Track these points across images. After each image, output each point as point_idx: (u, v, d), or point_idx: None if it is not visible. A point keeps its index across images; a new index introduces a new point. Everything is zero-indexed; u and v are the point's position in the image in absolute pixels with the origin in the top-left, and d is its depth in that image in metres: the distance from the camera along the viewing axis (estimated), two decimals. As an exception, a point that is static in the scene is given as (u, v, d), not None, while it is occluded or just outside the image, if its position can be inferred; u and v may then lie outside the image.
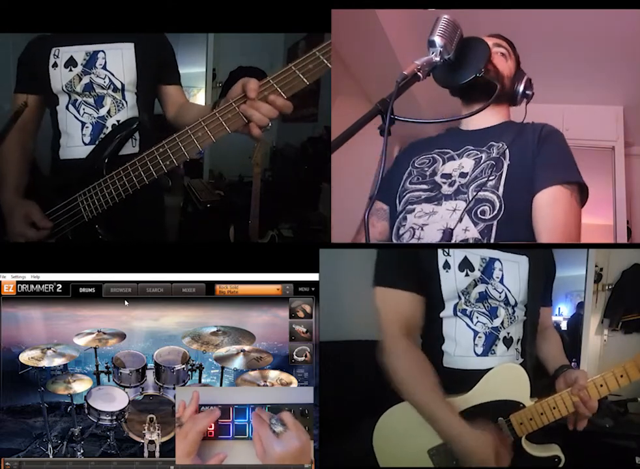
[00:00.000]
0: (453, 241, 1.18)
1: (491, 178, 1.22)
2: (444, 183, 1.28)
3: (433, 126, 1.48)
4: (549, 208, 1.19)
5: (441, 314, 1.18)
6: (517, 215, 1.20)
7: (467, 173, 1.27)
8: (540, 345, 1.29)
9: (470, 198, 1.21)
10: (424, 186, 1.31)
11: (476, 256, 1.19)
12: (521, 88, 1.33)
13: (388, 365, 1.12)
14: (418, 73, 1.08)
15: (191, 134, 1.12)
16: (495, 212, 1.19)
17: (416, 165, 1.37)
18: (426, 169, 1.34)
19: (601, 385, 1.11)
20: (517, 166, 1.23)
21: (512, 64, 1.34)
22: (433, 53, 1.11)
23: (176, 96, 1.52)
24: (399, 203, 1.34)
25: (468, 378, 1.15)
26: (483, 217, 1.19)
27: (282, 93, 1.06)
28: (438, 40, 1.10)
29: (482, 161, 1.26)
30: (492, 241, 1.17)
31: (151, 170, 1.17)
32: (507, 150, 1.25)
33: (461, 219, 1.19)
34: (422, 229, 1.23)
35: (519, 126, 1.30)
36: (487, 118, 1.32)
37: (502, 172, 1.22)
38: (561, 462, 1.13)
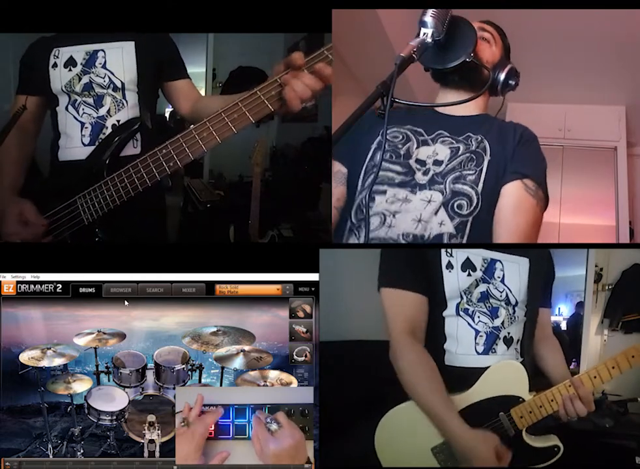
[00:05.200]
0: (427, 235, 1.14)
1: (470, 171, 1.17)
2: (418, 170, 1.20)
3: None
4: (512, 214, 1.15)
5: (444, 313, 1.19)
6: (492, 213, 1.16)
7: (442, 161, 1.20)
8: (542, 355, 1.30)
9: (447, 191, 1.16)
10: (398, 168, 1.21)
11: (478, 257, 1.20)
12: (502, 76, 1.26)
13: (395, 365, 1.14)
14: (413, 55, 1.07)
15: (196, 135, 1.10)
16: (472, 208, 1.15)
17: (387, 137, 1.23)
18: (400, 146, 1.24)
19: (595, 377, 1.15)
20: (497, 164, 1.18)
21: (497, 50, 1.28)
22: (424, 34, 1.10)
23: (187, 90, 1.50)
24: (365, 176, 1.24)
25: (469, 376, 1.16)
26: (459, 211, 1.15)
27: (332, 58, 1.02)
28: (430, 20, 1.10)
29: (460, 153, 1.20)
30: (466, 238, 1.14)
31: (154, 172, 1.16)
32: (488, 146, 1.20)
33: (436, 212, 1.14)
34: (394, 217, 1.16)
35: (499, 122, 1.27)
36: (465, 105, 1.24)
37: (482, 168, 1.17)
38: (560, 451, 1.16)
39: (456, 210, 1.14)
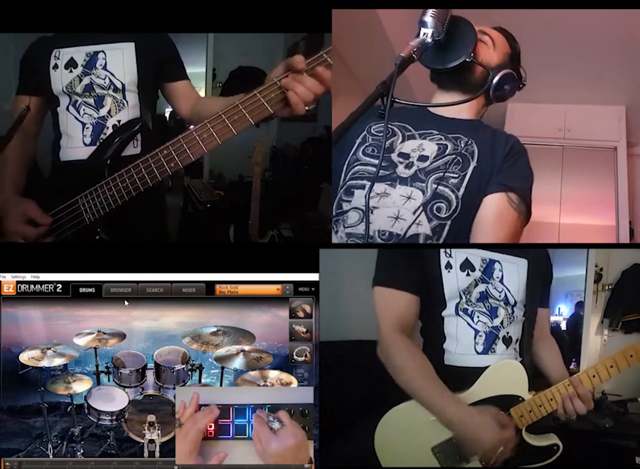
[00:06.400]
0: (403, 234, 1.12)
1: (454, 175, 1.15)
2: (400, 163, 1.18)
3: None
4: (493, 225, 1.14)
5: (443, 313, 1.19)
6: (470, 220, 1.15)
7: (427, 157, 1.18)
8: (540, 354, 1.30)
9: (429, 192, 1.14)
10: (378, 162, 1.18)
11: (476, 257, 1.20)
12: (495, 80, 1.23)
13: (385, 361, 1.15)
14: (413, 55, 1.07)
15: (197, 136, 1.11)
16: (451, 212, 1.13)
17: (372, 131, 1.25)
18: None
19: (594, 376, 1.16)
20: (482, 171, 1.16)
21: (496, 54, 1.25)
22: (424, 34, 1.10)
23: (187, 91, 1.50)
24: (345, 171, 1.22)
25: (468, 376, 1.17)
26: (438, 214, 1.13)
27: (332, 62, 1.03)
28: (430, 20, 1.09)
29: (447, 152, 1.18)
30: (442, 241, 1.12)
31: (155, 173, 1.17)
32: (476, 151, 1.18)
33: (415, 212, 1.13)
34: (372, 212, 1.14)
35: (491, 130, 1.25)
36: (458, 108, 1.23)
37: (466, 173, 1.16)
38: (560, 449, 1.17)
39: (435, 212, 1.13)
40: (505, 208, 1.14)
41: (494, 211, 1.14)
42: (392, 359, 1.14)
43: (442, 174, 1.15)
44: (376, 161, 1.19)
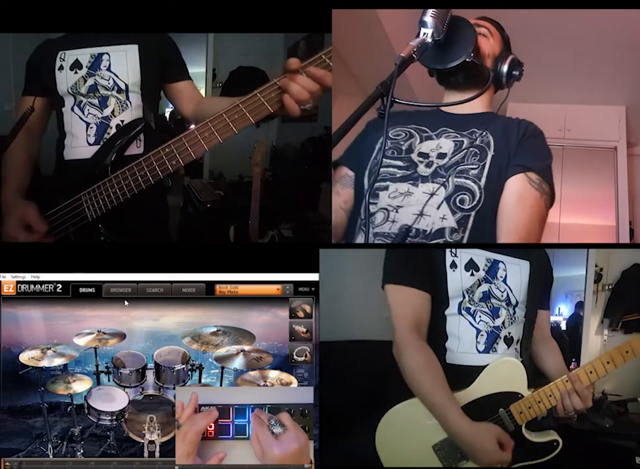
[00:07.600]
0: (429, 229, 1.14)
1: (474, 166, 1.17)
2: (421, 162, 1.22)
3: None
4: (515, 207, 1.15)
5: (445, 312, 1.20)
6: (495, 208, 1.16)
7: (446, 154, 1.21)
8: (542, 357, 1.30)
9: (450, 185, 1.16)
10: (399, 163, 1.23)
11: (481, 257, 1.21)
12: (505, 68, 1.26)
13: (399, 363, 1.14)
14: (413, 55, 1.07)
15: (198, 134, 1.12)
16: (475, 203, 1.15)
17: (390, 136, 1.28)
18: (402, 143, 1.26)
19: (591, 372, 1.16)
20: (500, 159, 1.18)
21: (496, 43, 1.29)
22: (424, 34, 1.10)
23: (190, 91, 1.52)
24: (370, 175, 1.26)
25: (469, 374, 1.17)
26: (461, 206, 1.15)
27: (330, 63, 1.04)
28: (430, 20, 1.09)
29: (464, 147, 1.21)
30: (468, 232, 1.14)
31: (157, 170, 1.17)
32: (492, 141, 1.20)
33: (438, 207, 1.15)
34: (397, 211, 1.17)
35: (504, 119, 1.27)
36: (470, 103, 1.22)
37: (485, 163, 1.18)
38: (559, 445, 1.17)
39: (458, 204, 1.15)
40: (526, 189, 1.15)
41: (515, 193, 1.15)
42: (404, 360, 1.14)
43: (462, 167, 1.17)
44: (397, 162, 1.23)
